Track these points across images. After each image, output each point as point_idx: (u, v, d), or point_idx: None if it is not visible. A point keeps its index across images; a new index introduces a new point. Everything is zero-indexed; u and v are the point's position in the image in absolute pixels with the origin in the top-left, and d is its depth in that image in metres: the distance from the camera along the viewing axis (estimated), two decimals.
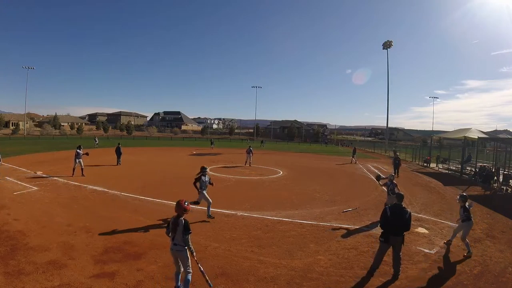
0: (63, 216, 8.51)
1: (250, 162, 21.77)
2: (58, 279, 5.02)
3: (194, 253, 4.63)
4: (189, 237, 4.56)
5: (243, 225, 8.34)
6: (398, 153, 23.34)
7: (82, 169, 15.07)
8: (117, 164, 19.71)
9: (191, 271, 4.65)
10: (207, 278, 4.68)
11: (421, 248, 7.05)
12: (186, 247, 4.54)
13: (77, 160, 14.95)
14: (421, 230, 8.42)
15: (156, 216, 8.82)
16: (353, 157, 27.86)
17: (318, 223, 8.80)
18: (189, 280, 4.61)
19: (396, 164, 19.37)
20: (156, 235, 7.29)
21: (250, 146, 22.84)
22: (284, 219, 9.01)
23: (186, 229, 4.53)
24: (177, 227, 4.53)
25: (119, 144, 21.10)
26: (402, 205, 5.71)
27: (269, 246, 6.90)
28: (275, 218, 9.12)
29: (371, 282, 5.40)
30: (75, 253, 6.10)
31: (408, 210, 5.71)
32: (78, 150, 15.07)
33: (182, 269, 4.70)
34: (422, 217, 9.83)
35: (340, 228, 8.42)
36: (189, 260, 4.65)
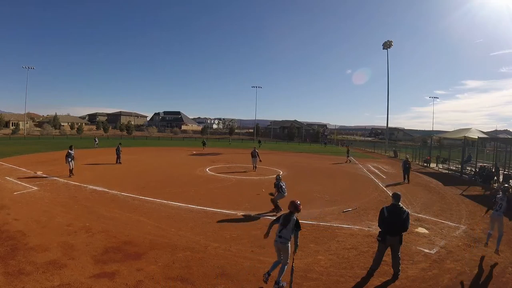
0: (63, 216, 8.51)
1: (255, 166, 19.90)
2: (58, 279, 5.02)
3: (297, 249, 5.13)
4: (298, 234, 5.08)
5: (243, 225, 8.35)
6: (408, 156, 21.20)
7: (72, 169, 15.25)
8: (117, 163, 20.38)
9: (288, 262, 5.15)
10: (292, 280, 4.97)
11: (421, 248, 7.04)
12: (289, 241, 5.01)
13: (70, 160, 15.18)
14: (421, 230, 8.42)
15: (156, 216, 8.83)
16: (347, 156, 28.54)
17: (318, 223, 8.81)
18: (284, 270, 5.10)
19: (406, 168, 17.45)
20: (156, 235, 7.30)
21: (255, 148, 20.63)
22: None
23: (298, 226, 5.06)
24: (288, 223, 5.00)
25: (119, 144, 21.91)
26: (399, 205, 5.69)
27: (270, 246, 6.86)
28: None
29: (371, 282, 5.40)
30: (75, 253, 6.10)
31: (406, 210, 5.68)
32: (69, 151, 15.36)
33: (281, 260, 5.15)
34: (422, 217, 9.83)
35: (340, 228, 8.42)
36: (289, 254, 5.08)
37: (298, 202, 5.22)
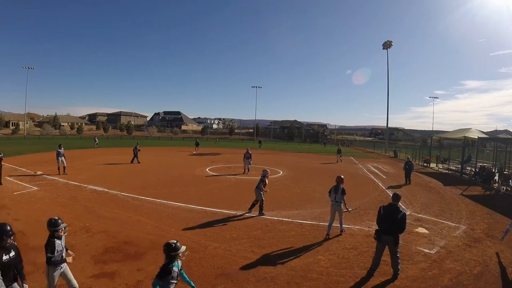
0: (63, 216, 8.34)
1: (248, 168, 18.64)
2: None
3: (346, 204, 7.75)
4: (344, 196, 7.63)
5: (243, 225, 8.35)
6: (410, 157, 20.53)
7: (64, 167, 15.46)
8: (134, 162, 21.11)
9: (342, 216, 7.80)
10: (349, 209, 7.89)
11: (421, 248, 7.05)
12: (341, 203, 7.61)
13: (59, 159, 15.40)
14: (421, 230, 8.42)
15: (156, 216, 8.83)
16: (339, 156, 28.04)
17: (318, 223, 8.80)
18: (342, 221, 7.90)
19: (408, 169, 16.77)
20: (156, 235, 7.29)
21: (248, 149, 19.20)
22: (284, 219, 9.01)
23: (344, 191, 7.62)
24: (338, 190, 7.59)
25: (137, 143, 23.01)
26: (397, 205, 5.69)
27: (269, 246, 6.90)
28: (275, 218, 9.13)
29: (371, 282, 5.41)
30: (75, 253, 6.04)
31: (403, 211, 5.63)
32: (59, 149, 15.57)
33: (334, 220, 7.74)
34: (422, 217, 9.82)
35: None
36: (342, 210, 7.71)
37: (342, 176, 7.81)
